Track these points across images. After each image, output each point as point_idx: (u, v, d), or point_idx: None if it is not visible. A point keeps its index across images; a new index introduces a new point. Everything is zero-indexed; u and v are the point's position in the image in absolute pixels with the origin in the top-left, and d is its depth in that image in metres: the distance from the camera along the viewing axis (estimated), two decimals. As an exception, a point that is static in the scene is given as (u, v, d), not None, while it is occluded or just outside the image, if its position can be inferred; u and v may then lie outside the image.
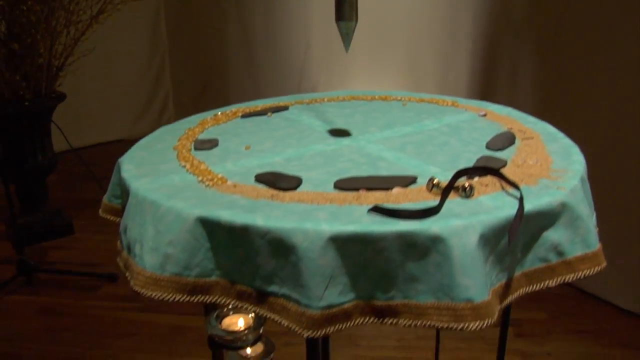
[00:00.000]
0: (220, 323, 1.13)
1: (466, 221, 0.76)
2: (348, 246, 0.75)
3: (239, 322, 1.13)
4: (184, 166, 0.98)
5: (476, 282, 0.74)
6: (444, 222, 0.76)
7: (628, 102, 2.05)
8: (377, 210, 0.78)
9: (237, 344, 1.10)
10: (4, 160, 2.74)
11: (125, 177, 0.96)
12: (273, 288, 0.79)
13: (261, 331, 1.13)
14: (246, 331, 1.11)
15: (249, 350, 1.29)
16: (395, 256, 0.76)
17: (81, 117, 3.97)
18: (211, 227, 0.80)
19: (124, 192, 0.98)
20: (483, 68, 2.48)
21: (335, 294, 0.76)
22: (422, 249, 0.75)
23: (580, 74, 2.18)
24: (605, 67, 2.10)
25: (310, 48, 3.12)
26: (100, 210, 1.09)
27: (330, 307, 0.76)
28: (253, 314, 1.15)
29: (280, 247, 0.76)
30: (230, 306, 1.15)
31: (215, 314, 1.15)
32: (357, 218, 0.78)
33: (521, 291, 0.85)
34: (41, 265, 2.77)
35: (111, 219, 1.07)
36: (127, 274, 0.88)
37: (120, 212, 1.05)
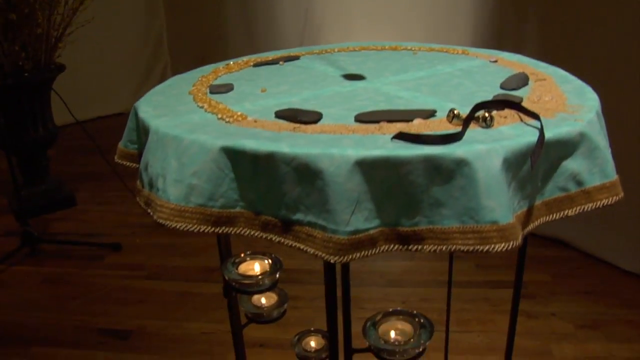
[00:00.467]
0: (236, 269, 1.14)
1: (489, 146, 0.77)
2: (374, 171, 0.76)
3: (255, 267, 1.14)
4: (202, 106, 0.98)
5: (501, 204, 0.75)
6: (468, 147, 0.77)
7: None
8: (401, 137, 0.79)
9: (253, 288, 1.11)
10: (5, 132, 2.73)
11: (143, 117, 0.96)
12: (298, 216, 0.79)
13: (277, 276, 1.13)
14: (262, 276, 1.12)
15: (263, 300, 1.31)
16: (421, 180, 0.76)
17: (80, 90, 3.94)
18: (235, 157, 0.81)
19: (142, 134, 0.98)
20: (485, 30, 2.48)
21: (361, 219, 0.76)
22: (447, 172, 0.76)
23: (586, 28, 2.18)
24: (613, 20, 2.10)
25: (310, 12, 3.10)
26: (115, 157, 1.09)
27: (356, 232, 0.76)
28: (269, 260, 1.16)
29: (306, 173, 0.76)
30: (249, 252, 1.16)
31: (232, 260, 1.15)
32: (382, 144, 0.78)
33: (541, 220, 0.86)
34: (44, 236, 2.77)
35: (127, 164, 1.07)
36: (149, 211, 0.88)
37: (136, 157, 1.05)
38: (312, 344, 1.48)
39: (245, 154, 0.80)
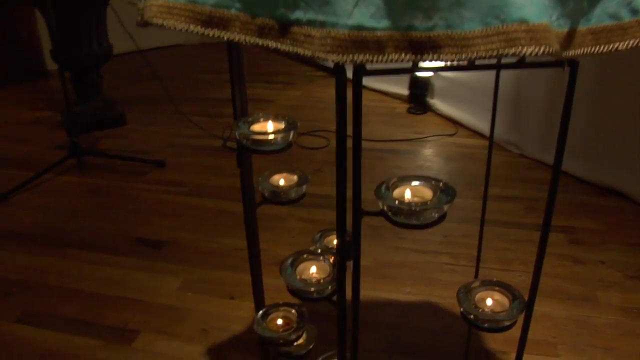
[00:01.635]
0: (249, 127, 1.06)
1: (525, -63, 0.65)
2: (384, -45, 0.65)
3: (267, 126, 1.05)
4: None
5: (532, 1, 0.63)
6: None
7: None
8: None
9: (265, 146, 1.02)
10: (59, 45, 2.75)
11: None
12: (297, 14, 0.70)
13: (291, 136, 1.04)
14: (276, 133, 1.03)
15: (282, 182, 1.23)
16: (439, -28, 0.65)
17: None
18: (233, -54, 0.72)
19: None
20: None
21: (366, 14, 0.66)
22: (470, -38, 0.64)
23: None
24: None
25: None
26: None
27: (360, 27, 0.66)
28: (285, 121, 1.07)
29: (307, -42, 0.67)
30: (262, 113, 1.08)
31: (245, 118, 1.07)
32: None
33: (587, 50, 0.73)
34: (92, 150, 2.79)
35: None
36: (138, 19, 0.80)
37: None
38: (335, 242, 1.40)
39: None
